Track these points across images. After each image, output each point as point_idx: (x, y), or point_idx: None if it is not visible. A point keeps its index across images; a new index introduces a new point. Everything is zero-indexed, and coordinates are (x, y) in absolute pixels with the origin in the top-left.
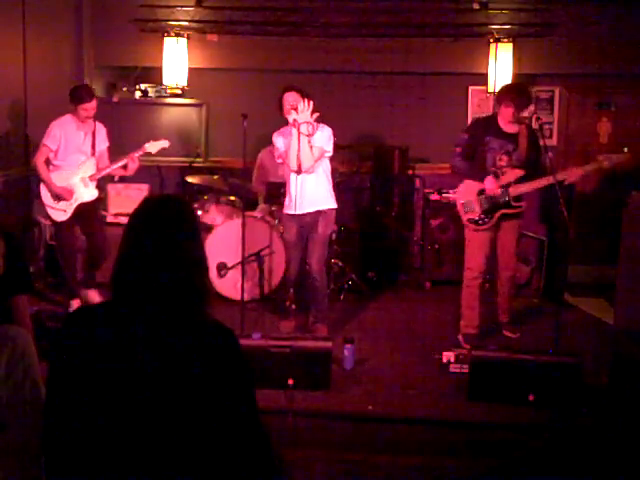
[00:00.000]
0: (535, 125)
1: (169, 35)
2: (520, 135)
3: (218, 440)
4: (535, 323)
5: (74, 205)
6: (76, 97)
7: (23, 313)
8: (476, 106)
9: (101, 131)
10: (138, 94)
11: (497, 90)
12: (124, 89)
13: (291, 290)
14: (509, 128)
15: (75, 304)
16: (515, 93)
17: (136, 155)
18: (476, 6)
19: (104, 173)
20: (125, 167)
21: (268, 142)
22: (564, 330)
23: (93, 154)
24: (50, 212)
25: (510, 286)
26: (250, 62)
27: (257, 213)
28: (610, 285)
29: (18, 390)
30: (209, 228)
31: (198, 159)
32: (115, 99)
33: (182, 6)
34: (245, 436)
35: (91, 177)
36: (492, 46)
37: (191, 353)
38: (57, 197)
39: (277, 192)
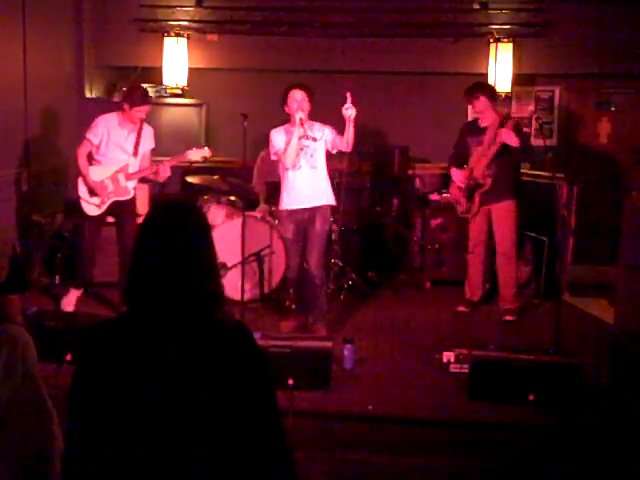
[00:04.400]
0: (535, 125)
1: (169, 35)
2: (489, 128)
3: (241, 442)
4: (535, 323)
5: (108, 202)
6: (131, 99)
7: (15, 313)
8: None
9: (147, 132)
10: None
11: (465, 91)
12: (124, 89)
13: (291, 290)
14: (484, 122)
15: (73, 294)
16: (482, 88)
17: (173, 163)
18: (476, 6)
19: (140, 174)
20: (156, 173)
21: (268, 142)
22: (564, 330)
23: (135, 153)
24: (83, 205)
25: (507, 270)
26: (250, 62)
27: (257, 213)
28: (610, 285)
29: (17, 390)
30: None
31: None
32: (115, 99)
33: (182, 6)
34: (268, 438)
35: (128, 176)
36: (492, 46)
37: (212, 355)
38: (92, 191)
39: (277, 192)
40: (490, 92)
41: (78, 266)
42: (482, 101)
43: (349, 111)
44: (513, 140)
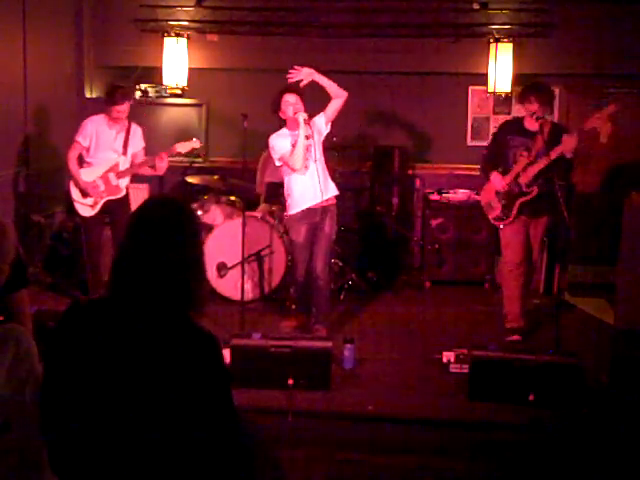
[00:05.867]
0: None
1: (169, 35)
2: (539, 132)
3: (194, 444)
4: (535, 323)
5: (101, 202)
6: (110, 98)
7: (24, 309)
8: (476, 106)
9: (136, 132)
10: (138, 94)
11: (520, 91)
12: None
13: (291, 290)
14: (531, 125)
15: None
16: (537, 90)
17: (164, 155)
18: (476, 6)
19: (132, 172)
20: (154, 166)
21: (268, 148)
22: (564, 330)
23: (125, 152)
24: (77, 207)
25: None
26: (250, 62)
27: (257, 213)
28: (610, 285)
29: (21, 389)
30: (209, 228)
31: (198, 159)
32: None
33: (182, 6)
34: (220, 440)
35: (119, 174)
36: (492, 46)
37: (169, 356)
38: (84, 192)
39: (277, 192)
40: (545, 95)
41: (92, 277)
42: (535, 105)
43: (305, 76)
44: (569, 151)
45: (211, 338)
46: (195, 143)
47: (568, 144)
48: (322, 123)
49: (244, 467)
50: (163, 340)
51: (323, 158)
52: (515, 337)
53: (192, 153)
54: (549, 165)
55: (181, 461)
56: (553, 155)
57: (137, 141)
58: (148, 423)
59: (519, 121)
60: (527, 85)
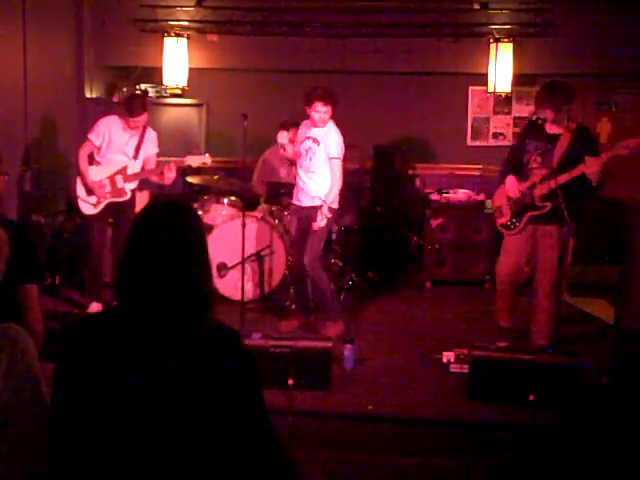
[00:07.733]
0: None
1: (169, 35)
2: (562, 136)
3: (229, 446)
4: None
5: (104, 202)
6: (128, 109)
7: (33, 302)
8: (476, 106)
9: (150, 136)
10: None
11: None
12: (124, 89)
13: (291, 290)
14: (552, 129)
15: (94, 307)
16: (549, 96)
17: (174, 166)
18: (476, 6)
19: (141, 177)
20: (162, 174)
21: (269, 142)
22: (564, 330)
23: (136, 156)
24: (80, 204)
25: (550, 303)
26: (250, 62)
27: (257, 213)
28: (610, 285)
29: (19, 389)
30: (209, 228)
31: None
32: (115, 99)
33: (182, 6)
34: (258, 441)
35: (126, 177)
36: (492, 46)
37: (198, 359)
38: (89, 190)
39: (277, 192)
40: (559, 98)
41: (89, 278)
42: (548, 110)
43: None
44: (594, 177)
45: (236, 335)
46: (207, 158)
47: (589, 167)
48: (331, 149)
49: (278, 468)
50: (186, 345)
51: (330, 176)
52: (502, 344)
53: (201, 168)
54: (569, 182)
55: (209, 469)
56: (561, 180)
57: (150, 146)
58: (180, 431)
59: (541, 123)
60: (542, 87)
